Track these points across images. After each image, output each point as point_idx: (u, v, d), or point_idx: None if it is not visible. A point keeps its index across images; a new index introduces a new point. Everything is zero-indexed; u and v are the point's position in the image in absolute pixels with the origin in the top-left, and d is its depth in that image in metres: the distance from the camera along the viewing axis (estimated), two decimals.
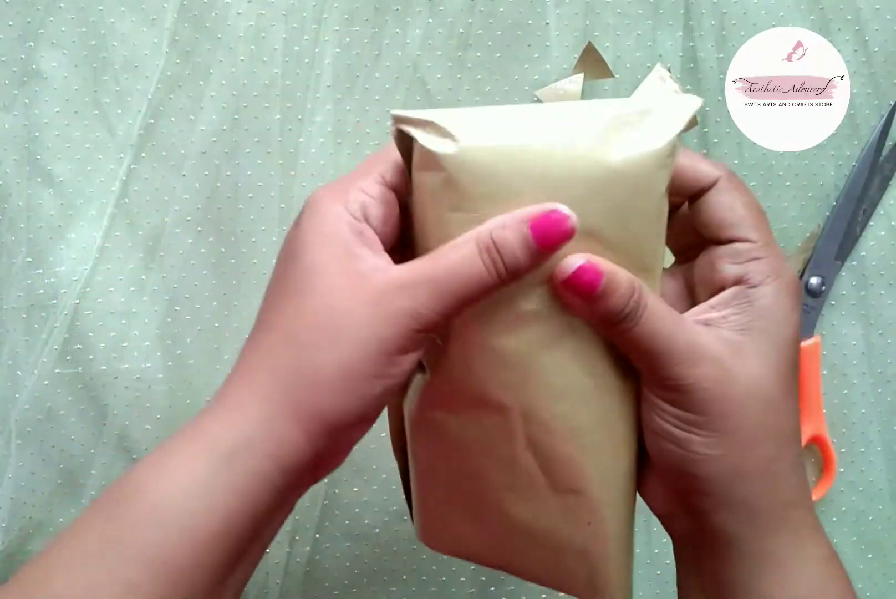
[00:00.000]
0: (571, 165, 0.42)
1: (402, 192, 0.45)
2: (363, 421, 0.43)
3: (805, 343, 0.70)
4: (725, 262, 0.44)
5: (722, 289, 0.44)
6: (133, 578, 0.39)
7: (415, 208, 0.44)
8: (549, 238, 0.41)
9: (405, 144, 0.44)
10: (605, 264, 0.42)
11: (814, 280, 0.69)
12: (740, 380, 0.43)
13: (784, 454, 0.44)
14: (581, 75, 0.68)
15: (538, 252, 0.41)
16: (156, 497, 0.41)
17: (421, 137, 0.43)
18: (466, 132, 0.42)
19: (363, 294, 0.42)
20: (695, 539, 0.46)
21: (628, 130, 0.42)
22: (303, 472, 0.43)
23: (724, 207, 0.44)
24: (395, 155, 0.45)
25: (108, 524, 0.41)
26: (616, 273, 0.42)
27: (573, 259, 0.42)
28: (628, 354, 0.44)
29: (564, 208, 0.41)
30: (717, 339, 0.43)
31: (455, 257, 0.41)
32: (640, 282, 0.42)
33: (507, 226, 0.41)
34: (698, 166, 0.44)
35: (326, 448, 0.43)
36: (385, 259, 0.43)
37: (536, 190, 0.42)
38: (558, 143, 0.42)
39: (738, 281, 0.44)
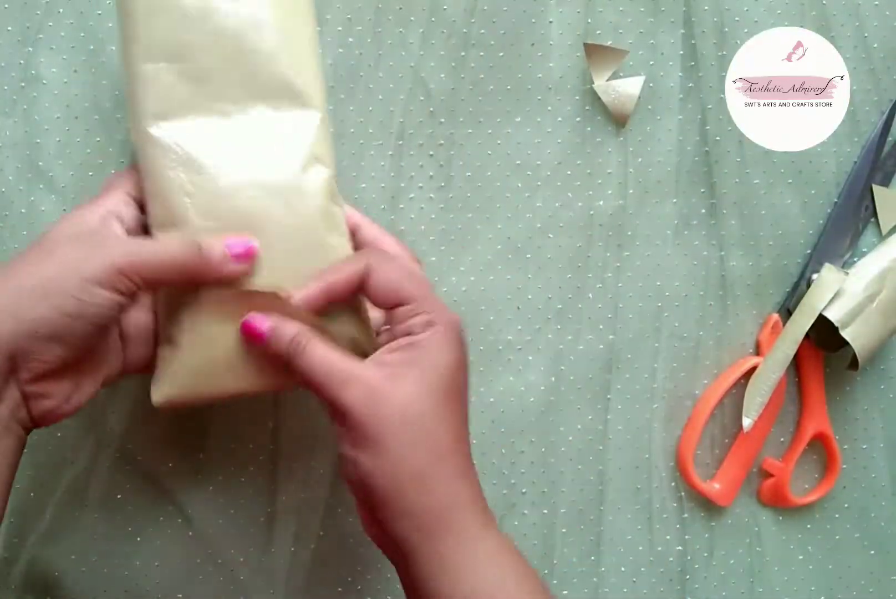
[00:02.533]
0: None
1: None
2: (55, 339, 0.50)
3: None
4: (395, 323, 0.54)
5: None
6: None
7: None
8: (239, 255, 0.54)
9: None
10: (270, 321, 0.54)
11: (815, 277, 0.69)
12: (392, 401, 0.51)
13: (441, 464, 0.52)
14: (642, 78, 0.68)
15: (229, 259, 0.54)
16: None
17: None
18: None
19: (85, 240, 0.51)
20: (394, 556, 0.54)
21: None
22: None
23: (381, 284, 0.54)
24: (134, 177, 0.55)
25: None
26: (279, 328, 0.53)
27: (250, 316, 0.54)
28: (303, 385, 0.54)
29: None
30: (374, 368, 0.52)
31: (173, 241, 0.53)
32: (304, 330, 0.53)
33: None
34: (345, 269, 0.55)
35: (18, 354, 0.49)
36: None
37: None
38: None
39: (406, 333, 0.53)
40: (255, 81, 0.56)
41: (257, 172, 0.55)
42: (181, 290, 0.55)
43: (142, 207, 0.55)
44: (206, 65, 0.55)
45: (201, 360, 0.55)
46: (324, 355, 0.53)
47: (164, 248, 0.53)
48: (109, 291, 0.50)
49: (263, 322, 0.54)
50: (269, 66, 0.56)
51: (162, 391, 0.56)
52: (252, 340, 0.54)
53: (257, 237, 0.54)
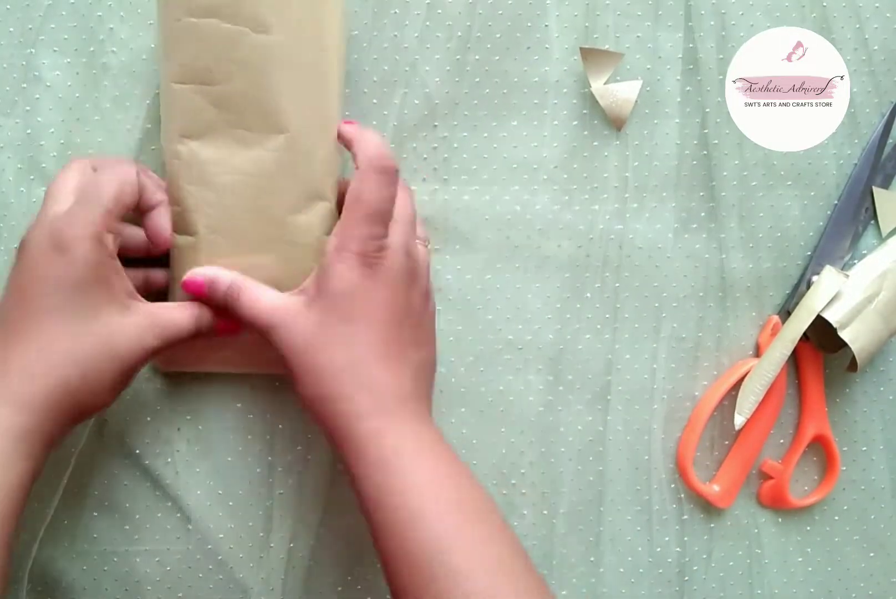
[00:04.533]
0: None
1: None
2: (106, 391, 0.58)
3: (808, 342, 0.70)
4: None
5: None
6: None
7: None
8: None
9: None
10: (207, 274, 0.60)
11: (815, 279, 0.69)
12: (304, 335, 0.57)
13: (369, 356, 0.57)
14: (639, 83, 0.68)
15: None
16: None
17: None
18: None
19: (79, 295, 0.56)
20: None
21: None
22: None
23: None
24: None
25: None
26: (214, 280, 0.60)
27: (190, 272, 0.61)
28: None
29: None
30: (292, 302, 0.58)
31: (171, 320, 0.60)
32: (237, 277, 0.60)
33: None
34: None
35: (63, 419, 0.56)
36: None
37: None
38: None
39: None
40: (273, 115, 0.60)
41: (262, 200, 0.61)
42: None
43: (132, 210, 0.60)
44: (230, 92, 0.60)
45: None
46: (253, 301, 0.59)
47: (173, 325, 0.60)
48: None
49: (201, 276, 0.60)
50: (288, 103, 0.60)
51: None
52: (195, 293, 0.60)
53: (255, 258, 0.61)
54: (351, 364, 0.57)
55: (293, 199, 0.61)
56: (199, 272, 0.60)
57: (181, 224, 0.61)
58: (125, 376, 0.58)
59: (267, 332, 0.58)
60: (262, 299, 0.59)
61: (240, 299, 0.59)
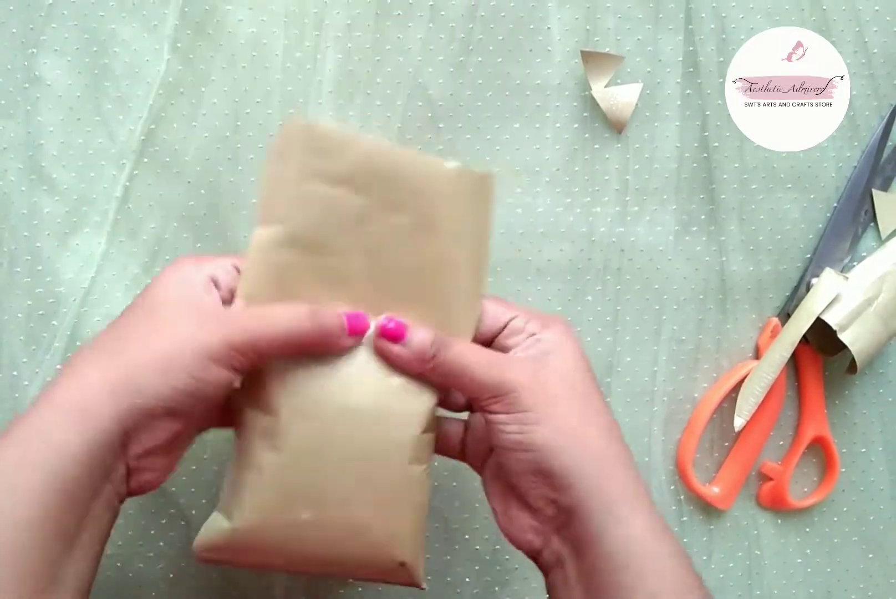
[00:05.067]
0: None
1: None
2: (172, 414, 0.49)
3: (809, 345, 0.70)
4: (511, 334, 0.55)
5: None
6: None
7: None
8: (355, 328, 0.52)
9: None
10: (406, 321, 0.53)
11: (815, 281, 0.69)
12: (550, 378, 0.52)
13: (611, 443, 0.52)
14: (639, 86, 0.69)
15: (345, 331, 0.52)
16: None
17: None
18: None
19: (194, 311, 0.50)
20: (562, 555, 0.52)
21: None
22: (111, 456, 0.48)
23: (489, 306, 0.55)
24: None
25: None
26: (416, 328, 0.52)
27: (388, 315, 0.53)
28: (456, 387, 0.54)
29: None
30: (521, 356, 0.53)
31: (287, 311, 0.51)
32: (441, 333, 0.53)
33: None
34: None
35: (135, 429, 0.48)
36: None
37: None
38: None
39: (528, 337, 0.54)
40: (389, 297, 0.55)
41: (358, 385, 0.54)
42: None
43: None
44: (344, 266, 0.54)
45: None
46: (471, 347, 0.53)
47: (278, 320, 0.51)
48: (225, 368, 0.49)
49: (402, 324, 0.53)
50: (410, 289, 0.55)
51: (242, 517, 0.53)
52: (389, 336, 0.52)
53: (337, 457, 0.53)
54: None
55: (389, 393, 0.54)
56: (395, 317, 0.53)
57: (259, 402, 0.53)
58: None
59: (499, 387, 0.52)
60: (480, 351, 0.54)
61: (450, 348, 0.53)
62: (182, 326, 0.49)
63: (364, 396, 0.53)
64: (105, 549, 0.49)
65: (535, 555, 0.54)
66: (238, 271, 0.53)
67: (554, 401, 0.51)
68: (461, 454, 0.58)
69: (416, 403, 0.53)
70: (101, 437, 0.47)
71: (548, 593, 0.54)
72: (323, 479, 0.52)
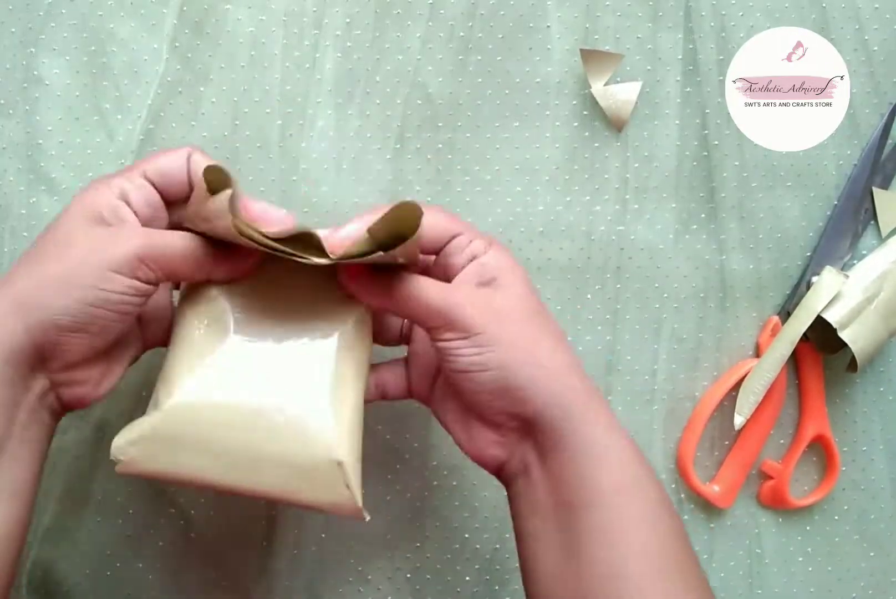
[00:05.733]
0: None
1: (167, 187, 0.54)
2: (80, 329, 0.50)
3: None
4: (454, 253, 0.55)
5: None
6: None
7: None
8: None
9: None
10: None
11: (815, 280, 0.69)
12: (498, 302, 0.53)
13: (563, 356, 0.54)
14: (639, 84, 0.68)
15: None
16: None
17: None
18: None
19: (95, 229, 0.51)
20: (526, 465, 0.54)
21: None
22: (26, 367, 0.50)
23: (431, 220, 0.53)
24: (161, 159, 0.54)
25: None
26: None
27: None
28: (408, 315, 0.55)
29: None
30: (467, 287, 0.54)
31: (187, 234, 0.53)
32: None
33: None
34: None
35: (45, 345, 0.50)
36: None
37: None
38: None
39: (471, 259, 0.55)
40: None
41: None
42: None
43: (159, 192, 0.54)
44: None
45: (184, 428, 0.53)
46: (424, 278, 0.54)
47: (179, 239, 0.52)
48: (130, 279, 0.50)
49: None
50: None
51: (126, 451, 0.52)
52: (350, 275, 0.54)
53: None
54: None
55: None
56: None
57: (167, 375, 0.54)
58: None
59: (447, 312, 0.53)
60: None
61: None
62: (88, 243, 0.50)
63: (302, 296, 0.56)
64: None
65: (499, 468, 0.56)
66: (151, 183, 0.53)
67: (505, 322, 0.53)
68: (407, 391, 0.60)
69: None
70: (12, 350, 0.49)
71: (510, 503, 0.56)
72: (263, 365, 0.53)
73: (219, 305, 0.54)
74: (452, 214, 0.57)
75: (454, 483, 0.69)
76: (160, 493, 0.67)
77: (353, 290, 0.54)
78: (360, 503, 0.53)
